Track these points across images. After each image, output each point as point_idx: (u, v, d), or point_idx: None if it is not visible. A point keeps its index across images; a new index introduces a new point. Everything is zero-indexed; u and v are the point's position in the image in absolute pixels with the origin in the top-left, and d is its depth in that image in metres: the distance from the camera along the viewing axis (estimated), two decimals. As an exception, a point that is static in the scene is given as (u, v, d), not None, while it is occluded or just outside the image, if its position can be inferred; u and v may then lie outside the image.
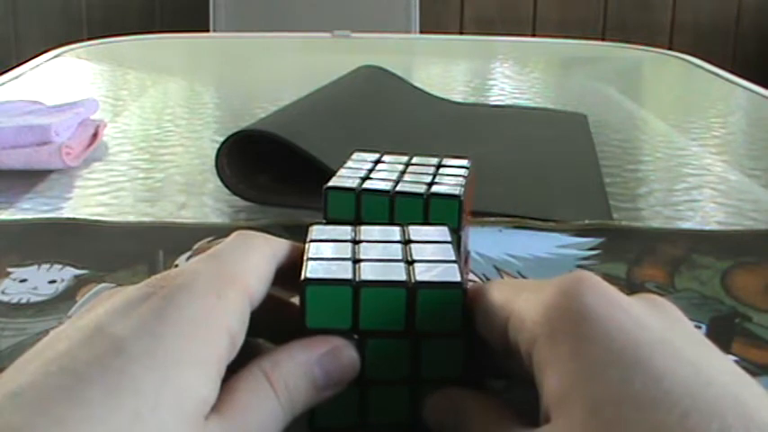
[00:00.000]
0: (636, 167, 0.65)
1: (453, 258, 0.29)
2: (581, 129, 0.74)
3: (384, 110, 0.69)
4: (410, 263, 0.28)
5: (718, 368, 0.21)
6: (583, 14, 2.30)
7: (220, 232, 0.47)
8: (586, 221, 0.50)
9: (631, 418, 0.19)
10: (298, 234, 0.32)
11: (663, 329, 0.22)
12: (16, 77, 0.98)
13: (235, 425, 0.23)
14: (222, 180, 0.53)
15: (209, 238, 0.46)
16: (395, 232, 0.31)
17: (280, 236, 0.31)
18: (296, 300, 0.27)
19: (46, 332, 0.36)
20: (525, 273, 0.43)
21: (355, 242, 0.30)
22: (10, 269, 0.43)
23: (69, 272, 0.43)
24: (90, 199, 0.55)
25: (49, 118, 0.65)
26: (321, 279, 0.26)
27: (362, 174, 0.38)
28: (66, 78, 1.02)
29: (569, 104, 0.87)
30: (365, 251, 0.29)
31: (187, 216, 0.52)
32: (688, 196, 0.57)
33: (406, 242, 0.30)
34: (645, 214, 0.54)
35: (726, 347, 0.36)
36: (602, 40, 2.09)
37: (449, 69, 1.16)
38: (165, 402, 0.21)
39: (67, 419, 0.20)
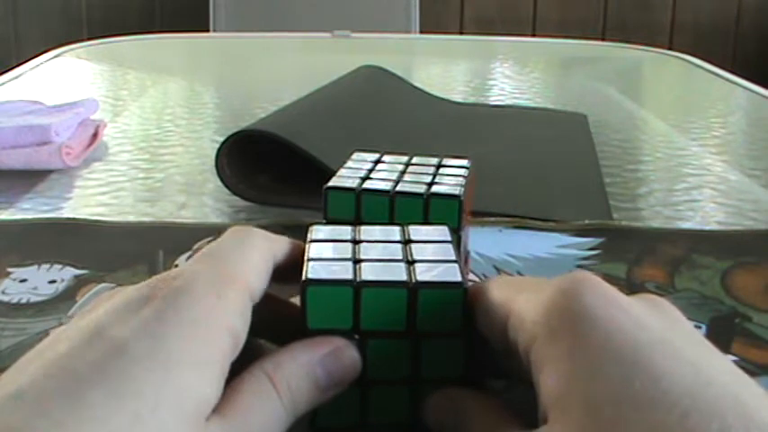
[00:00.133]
0: (636, 167, 0.65)
1: (454, 258, 0.29)
2: (581, 129, 0.74)
3: (384, 110, 0.69)
4: (411, 263, 0.28)
5: (718, 368, 0.21)
6: (583, 14, 2.30)
7: (220, 232, 0.47)
8: (586, 221, 0.50)
9: (630, 418, 0.19)
10: (298, 234, 0.32)
11: (662, 330, 0.22)
12: (16, 77, 0.98)
13: (237, 426, 0.23)
14: (222, 180, 0.53)
15: (209, 238, 0.46)
16: (395, 232, 0.31)
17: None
18: (296, 300, 0.27)
19: (46, 332, 0.37)
20: (525, 273, 0.43)
21: (355, 242, 0.30)
22: (10, 269, 0.43)
23: (69, 272, 0.43)
24: (90, 199, 0.55)
25: (48, 118, 0.65)
26: (322, 280, 0.26)
27: (362, 174, 0.38)
28: (66, 78, 1.02)
29: (569, 104, 0.87)
30: (365, 251, 0.29)
31: (187, 216, 0.52)
32: (688, 196, 0.57)
33: (407, 242, 0.30)
34: (645, 214, 0.54)
35: (726, 347, 0.36)
36: (602, 40, 2.09)
37: (449, 69, 1.16)
38: (166, 404, 0.21)
39: (68, 421, 0.20)
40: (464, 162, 0.41)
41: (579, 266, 0.44)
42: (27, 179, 0.58)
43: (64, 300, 0.40)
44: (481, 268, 0.44)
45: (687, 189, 0.59)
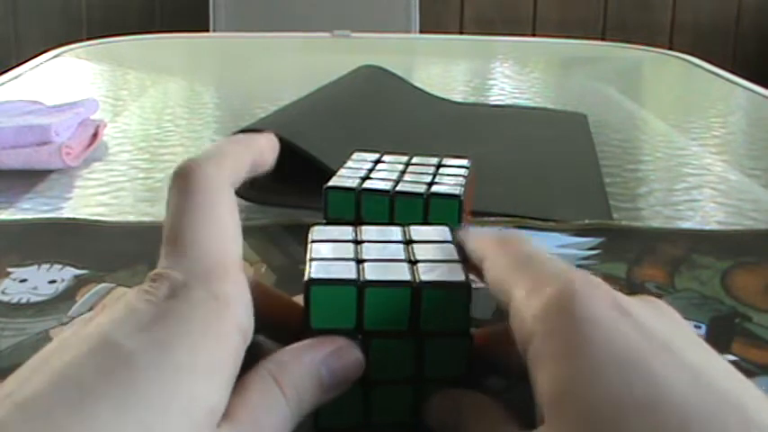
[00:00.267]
0: (636, 167, 0.65)
1: (456, 258, 0.29)
2: (581, 129, 0.74)
3: (384, 110, 0.69)
4: (413, 263, 0.28)
5: (718, 372, 0.21)
6: (583, 14, 2.31)
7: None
8: (586, 221, 0.50)
9: (629, 422, 0.19)
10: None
11: (663, 333, 0.22)
12: (16, 77, 0.98)
13: (245, 431, 0.23)
14: (222, 180, 0.53)
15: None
16: (396, 232, 0.31)
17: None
18: (299, 299, 0.27)
19: (46, 332, 0.37)
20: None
21: (357, 243, 0.30)
22: (10, 269, 0.43)
23: (69, 272, 0.43)
24: (90, 199, 0.55)
25: (49, 118, 0.65)
26: (325, 279, 0.26)
27: (362, 174, 0.38)
28: (66, 78, 1.02)
29: (569, 104, 0.87)
30: (367, 251, 0.29)
31: (187, 216, 0.52)
32: (688, 196, 0.57)
33: (408, 242, 0.30)
34: (645, 214, 0.54)
35: (726, 347, 0.36)
36: (602, 40, 2.09)
37: (449, 69, 1.16)
38: (175, 414, 0.21)
39: None
40: (464, 162, 0.41)
41: (579, 266, 0.43)
42: (27, 179, 0.58)
43: (64, 300, 0.40)
44: (481, 268, 0.44)
45: (687, 189, 0.59)
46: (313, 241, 0.30)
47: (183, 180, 0.27)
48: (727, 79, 1.05)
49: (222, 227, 0.27)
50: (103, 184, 0.58)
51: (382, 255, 0.29)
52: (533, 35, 2.26)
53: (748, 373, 0.33)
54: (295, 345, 0.26)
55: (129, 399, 0.21)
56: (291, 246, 0.45)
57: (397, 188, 0.36)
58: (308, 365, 0.25)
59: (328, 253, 0.29)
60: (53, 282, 0.42)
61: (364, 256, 0.28)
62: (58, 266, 0.43)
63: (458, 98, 0.87)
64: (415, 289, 0.26)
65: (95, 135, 0.67)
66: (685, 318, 0.39)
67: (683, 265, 0.44)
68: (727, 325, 0.38)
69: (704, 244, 0.47)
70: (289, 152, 0.52)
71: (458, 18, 2.29)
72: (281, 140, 0.52)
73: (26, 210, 0.52)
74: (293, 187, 0.54)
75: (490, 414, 0.26)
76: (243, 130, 0.52)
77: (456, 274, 0.27)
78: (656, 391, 0.20)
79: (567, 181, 0.59)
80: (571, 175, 0.60)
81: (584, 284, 0.23)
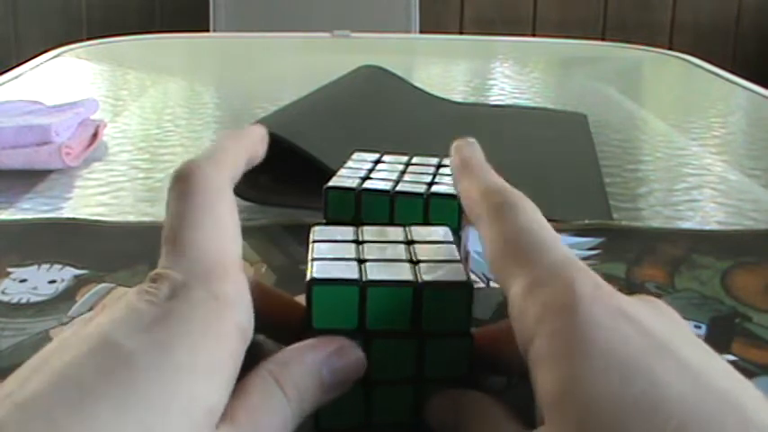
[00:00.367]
0: (636, 167, 0.65)
1: (458, 258, 0.29)
2: (581, 129, 0.74)
3: (384, 110, 0.69)
4: (415, 263, 0.28)
5: (717, 373, 0.21)
6: (583, 14, 2.31)
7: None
8: (586, 221, 0.50)
9: (628, 424, 0.19)
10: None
11: (662, 333, 0.22)
12: (16, 77, 0.98)
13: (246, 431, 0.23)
14: (222, 180, 0.53)
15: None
16: (397, 233, 0.31)
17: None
18: (301, 299, 0.27)
19: (46, 332, 0.37)
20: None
21: (358, 243, 0.30)
22: (10, 269, 0.43)
23: (69, 272, 0.43)
24: (90, 199, 0.55)
25: (49, 118, 0.65)
26: (328, 279, 0.26)
27: (362, 174, 0.38)
28: (66, 78, 1.02)
29: (569, 104, 0.87)
30: (369, 251, 0.29)
31: (187, 216, 0.52)
32: (688, 196, 0.57)
33: (409, 242, 0.30)
34: (645, 214, 0.54)
35: (726, 347, 0.36)
36: (602, 40, 2.09)
37: (449, 69, 1.16)
38: (176, 415, 0.21)
39: None
40: (464, 162, 0.41)
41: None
42: (27, 179, 0.58)
43: (64, 300, 0.40)
44: (481, 268, 0.44)
45: (687, 189, 0.59)
46: (314, 241, 0.30)
47: (183, 182, 0.27)
48: (727, 79, 1.05)
49: (222, 227, 0.27)
50: (103, 184, 0.58)
51: (384, 255, 0.29)
52: (533, 35, 2.26)
53: (748, 373, 0.33)
54: (296, 345, 0.26)
55: (129, 399, 0.21)
56: (291, 246, 0.45)
57: (397, 188, 0.36)
58: (310, 365, 0.25)
59: (330, 253, 0.29)
60: (53, 282, 0.42)
61: (366, 257, 0.28)
62: (57, 266, 0.43)
63: (458, 98, 0.87)
64: (416, 289, 0.26)
65: (95, 135, 0.67)
66: (685, 318, 0.39)
67: (683, 265, 0.44)
68: (727, 325, 0.38)
69: (704, 244, 0.47)
70: (289, 152, 0.52)
71: (458, 18, 2.29)
72: (282, 140, 0.52)
73: (26, 210, 0.52)
74: (293, 187, 0.54)
75: (491, 414, 0.25)
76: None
77: (457, 274, 0.27)
78: (655, 392, 0.20)
79: (567, 181, 0.59)
80: (571, 175, 0.60)
81: (584, 284, 0.23)
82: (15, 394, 0.21)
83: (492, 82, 1.04)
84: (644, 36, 2.20)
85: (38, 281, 0.42)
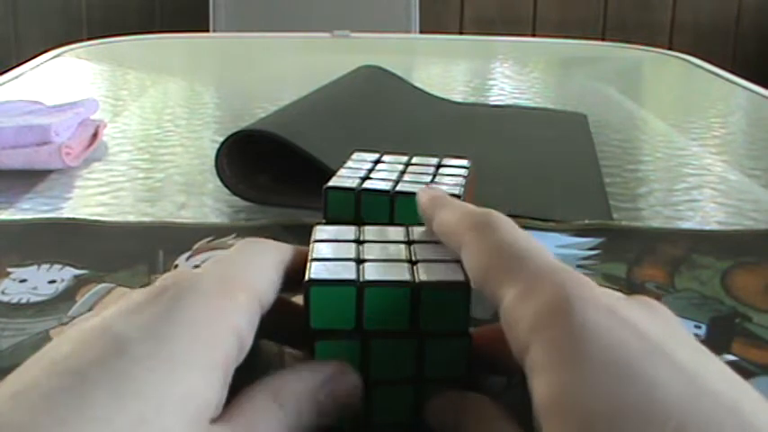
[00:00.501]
0: (636, 167, 0.65)
1: (457, 258, 0.29)
2: (581, 129, 0.74)
3: (384, 110, 0.69)
4: (413, 263, 0.28)
5: (715, 375, 0.21)
6: (583, 14, 2.31)
7: (220, 232, 0.47)
8: (586, 221, 0.50)
9: (628, 427, 0.19)
10: (298, 234, 0.32)
11: (659, 336, 0.22)
12: (16, 77, 0.98)
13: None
14: (222, 180, 0.53)
15: (209, 238, 0.46)
16: (398, 232, 0.31)
17: (280, 236, 0.31)
18: (299, 300, 0.27)
19: (46, 332, 0.37)
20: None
21: (359, 242, 0.30)
22: (10, 269, 0.43)
23: (69, 272, 0.43)
24: (90, 199, 0.55)
25: (49, 118, 0.65)
26: (325, 280, 0.27)
27: (362, 174, 0.38)
28: (66, 78, 1.02)
29: (569, 104, 0.87)
30: (368, 251, 0.29)
31: (187, 216, 0.52)
32: (688, 196, 0.57)
33: (409, 242, 0.30)
34: (645, 214, 0.54)
35: (726, 347, 0.36)
36: (602, 40, 2.09)
37: (449, 69, 1.16)
38: (170, 405, 0.21)
39: (71, 420, 0.20)
40: (464, 162, 0.41)
41: (579, 266, 0.43)
42: (27, 179, 0.58)
43: (64, 300, 0.40)
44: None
45: (687, 189, 0.59)
46: (315, 241, 0.30)
47: (251, 240, 0.30)
48: (727, 79, 1.05)
49: (265, 271, 0.28)
50: (103, 184, 0.58)
51: (383, 255, 0.29)
52: (533, 35, 2.26)
53: (748, 373, 0.33)
54: (295, 366, 0.26)
55: (124, 387, 0.21)
56: (291, 246, 0.45)
57: (397, 188, 0.36)
58: (308, 387, 0.25)
59: (330, 253, 0.29)
60: (53, 282, 0.42)
61: (365, 256, 0.28)
62: (57, 266, 0.43)
63: (458, 98, 0.87)
64: (414, 289, 0.26)
65: (95, 135, 0.67)
66: (685, 318, 0.39)
67: (683, 265, 0.44)
68: (727, 325, 0.38)
69: (704, 244, 0.47)
70: (289, 152, 0.52)
71: (458, 18, 2.29)
72: (282, 141, 0.52)
73: (26, 210, 0.52)
74: (293, 187, 0.54)
75: (490, 414, 0.25)
76: (243, 130, 0.52)
77: (456, 273, 0.27)
78: (652, 396, 0.20)
79: (567, 181, 0.59)
80: (571, 175, 0.60)
81: (575, 288, 0.23)
82: (14, 384, 0.21)
83: (492, 82, 1.04)
84: (644, 36, 2.20)
85: (38, 281, 0.42)
